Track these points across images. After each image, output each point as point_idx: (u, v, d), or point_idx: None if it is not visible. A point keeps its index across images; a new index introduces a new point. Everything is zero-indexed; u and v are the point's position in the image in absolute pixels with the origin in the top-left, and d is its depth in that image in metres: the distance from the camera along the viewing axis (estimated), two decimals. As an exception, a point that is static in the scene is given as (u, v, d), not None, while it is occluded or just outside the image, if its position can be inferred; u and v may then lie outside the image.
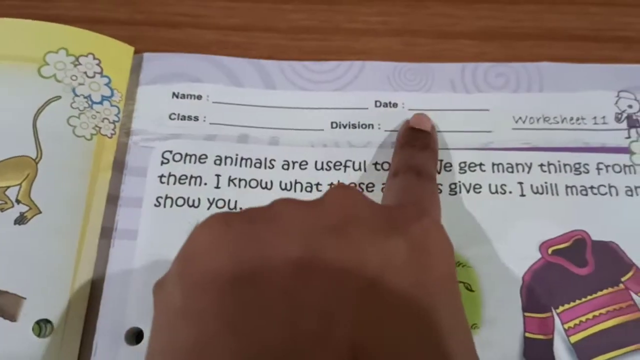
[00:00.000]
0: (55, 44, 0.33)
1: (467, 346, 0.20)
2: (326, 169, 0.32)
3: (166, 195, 0.31)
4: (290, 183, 0.31)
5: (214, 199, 0.31)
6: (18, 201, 0.29)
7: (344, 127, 0.33)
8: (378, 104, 0.33)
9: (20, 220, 0.29)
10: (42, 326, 0.27)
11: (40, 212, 0.29)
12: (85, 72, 0.33)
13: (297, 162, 0.32)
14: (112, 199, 0.31)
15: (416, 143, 0.31)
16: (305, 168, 0.32)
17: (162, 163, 0.31)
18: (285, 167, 0.32)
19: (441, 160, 0.32)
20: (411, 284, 0.19)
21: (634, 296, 0.29)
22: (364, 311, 0.18)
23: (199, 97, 0.33)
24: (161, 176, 0.31)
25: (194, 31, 0.36)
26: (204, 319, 0.18)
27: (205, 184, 0.31)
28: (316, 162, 0.32)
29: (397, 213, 0.21)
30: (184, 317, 0.18)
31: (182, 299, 0.19)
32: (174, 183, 0.31)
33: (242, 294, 0.18)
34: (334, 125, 0.33)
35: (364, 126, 0.33)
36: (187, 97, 0.33)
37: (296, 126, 0.33)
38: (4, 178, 0.30)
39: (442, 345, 0.18)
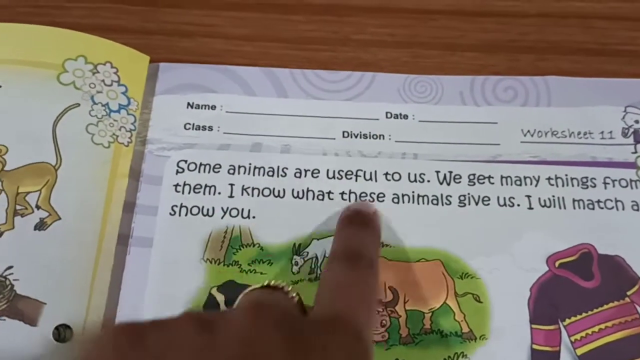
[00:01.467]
0: (74, 52, 0.33)
1: None
2: (338, 178, 0.32)
3: (181, 204, 0.31)
4: (303, 191, 0.32)
5: (227, 208, 0.31)
6: (38, 207, 0.30)
7: (356, 136, 0.33)
8: (389, 115, 0.34)
9: (40, 226, 0.30)
10: (61, 331, 0.28)
11: (59, 218, 0.30)
12: (103, 80, 0.33)
13: (309, 170, 0.32)
14: (129, 206, 0.31)
15: (355, 220, 0.29)
16: (318, 176, 0.32)
17: (177, 172, 0.32)
18: (298, 175, 0.32)
19: (450, 172, 0.33)
20: None
21: (639, 309, 0.30)
22: None
23: (213, 107, 0.34)
24: (176, 185, 0.32)
25: (205, 40, 0.37)
26: None
27: (219, 193, 0.32)
28: (328, 170, 0.32)
29: (312, 342, 0.21)
30: None
31: None
32: (189, 192, 0.32)
33: None
34: (346, 134, 0.33)
35: (375, 136, 0.33)
36: (202, 108, 0.34)
37: (308, 134, 0.33)
38: (24, 184, 0.30)
39: None
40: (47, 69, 0.33)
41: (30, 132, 0.32)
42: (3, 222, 0.30)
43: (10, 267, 0.29)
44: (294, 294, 0.24)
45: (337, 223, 0.30)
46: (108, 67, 0.34)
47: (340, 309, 0.23)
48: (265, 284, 0.24)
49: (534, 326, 0.29)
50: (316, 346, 0.20)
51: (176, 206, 0.31)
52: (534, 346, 0.29)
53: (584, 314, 0.30)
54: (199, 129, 0.33)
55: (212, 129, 0.33)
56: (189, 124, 0.33)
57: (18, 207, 0.30)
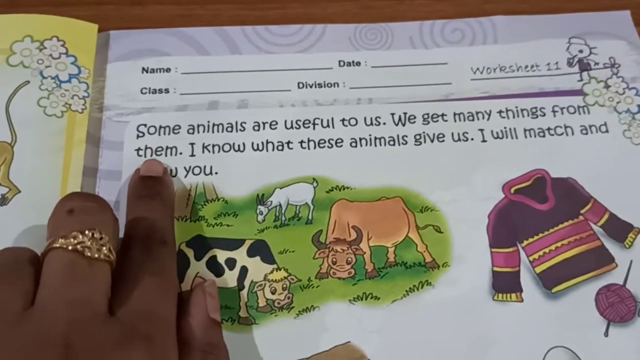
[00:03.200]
0: (20, 33, 0.34)
1: None
2: (296, 127, 0.33)
3: (144, 166, 0.32)
4: (262, 143, 0.32)
5: (190, 167, 0.32)
6: (-2, 184, 0.31)
7: (311, 86, 0.34)
8: (342, 63, 0.35)
9: (2, 201, 0.30)
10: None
11: (19, 192, 0.30)
12: (51, 55, 0.34)
13: (267, 122, 0.33)
14: (91, 172, 0.32)
15: (144, 193, 0.29)
16: (276, 128, 0.33)
17: (138, 137, 0.32)
18: (256, 128, 0.33)
19: (405, 113, 0.34)
20: None
21: (593, 226, 0.31)
22: None
23: (168, 70, 0.34)
24: (138, 149, 0.32)
25: (157, 7, 0.37)
26: None
27: (181, 153, 0.32)
28: (285, 121, 0.33)
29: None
30: None
31: None
32: (151, 154, 0.32)
33: None
34: (301, 85, 0.34)
35: (329, 85, 0.34)
36: (157, 71, 0.34)
37: (264, 88, 0.34)
38: None
39: None
40: None
41: None
42: (-34, 202, 0.30)
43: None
44: (112, 257, 0.24)
45: (127, 193, 0.29)
46: (54, 41, 0.34)
47: (140, 309, 0.23)
48: (79, 248, 0.23)
49: (493, 250, 0.31)
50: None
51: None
52: (495, 268, 0.30)
53: (540, 235, 0.31)
54: (156, 93, 0.34)
55: (168, 92, 0.34)
56: (145, 88, 0.34)
57: (-21, 187, 0.31)
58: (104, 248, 0.23)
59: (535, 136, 0.33)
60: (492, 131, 0.33)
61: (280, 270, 0.30)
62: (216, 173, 0.32)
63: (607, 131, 0.33)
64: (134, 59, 0.34)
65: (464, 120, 0.34)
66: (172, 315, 0.24)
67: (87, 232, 0.23)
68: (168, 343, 0.23)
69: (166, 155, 0.32)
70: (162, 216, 0.28)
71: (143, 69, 0.34)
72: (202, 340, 0.25)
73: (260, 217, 0.31)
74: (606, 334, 0.29)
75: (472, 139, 0.33)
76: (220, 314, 0.27)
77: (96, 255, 0.23)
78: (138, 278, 0.24)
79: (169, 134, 0.33)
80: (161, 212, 0.28)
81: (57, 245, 0.23)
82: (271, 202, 0.31)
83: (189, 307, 0.26)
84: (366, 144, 0.33)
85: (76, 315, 0.21)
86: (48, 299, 0.22)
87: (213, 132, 0.33)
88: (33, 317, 0.21)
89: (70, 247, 0.23)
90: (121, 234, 0.27)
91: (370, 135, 0.33)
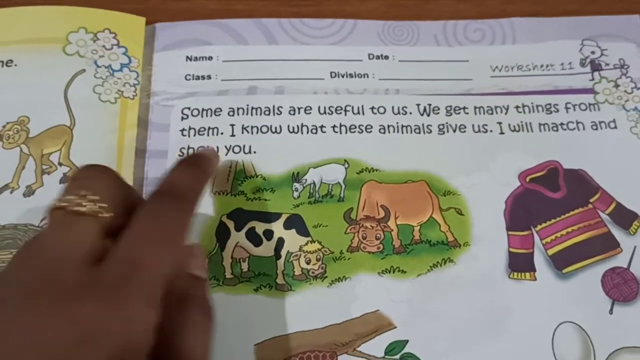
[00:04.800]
0: (75, 25, 0.37)
1: None
2: (328, 113, 0.35)
3: (188, 146, 0.34)
4: (297, 127, 0.35)
5: (230, 146, 0.34)
6: (60, 164, 0.33)
7: (342, 76, 0.37)
8: (371, 56, 0.37)
9: (64, 179, 0.33)
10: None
11: (80, 170, 0.33)
12: (104, 45, 0.36)
13: (301, 107, 0.35)
14: (140, 153, 0.34)
15: (182, 160, 0.28)
16: (310, 113, 0.35)
17: (182, 119, 0.35)
18: (292, 112, 0.35)
19: (430, 104, 0.36)
20: None
21: (601, 214, 0.34)
22: None
23: (210, 58, 0.37)
24: (182, 130, 0.35)
25: (199, 2, 0.39)
26: None
27: (222, 133, 0.35)
28: (319, 107, 0.35)
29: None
30: None
31: None
32: (194, 135, 0.35)
33: None
34: (333, 75, 0.37)
35: (359, 75, 0.37)
36: (200, 59, 0.37)
37: (299, 76, 0.36)
38: (46, 146, 0.34)
39: None
40: (53, 43, 0.36)
41: (46, 101, 0.35)
42: (34, 182, 0.33)
43: (44, 218, 0.32)
44: (105, 214, 0.23)
45: None
46: (107, 33, 0.37)
47: (136, 256, 0.22)
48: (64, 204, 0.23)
49: (510, 233, 0.33)
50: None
51: (184, 148, 0.34)
52: (511, 249, 0.33)
53: (552, 220, 0.34)
54: (199, 79, 0.36)
55: (210, 78, 0.36)
56: (189, 75, 0.36)
57: (44, 167, 0.33)
58: (91, 204, 0.23)
59: (549, 130, 0.36)
60: (509, 124, 0.36)
61: (314, 242, 0.32)
62: (255, 152, 0.34)
63: (615, 127, 0.36)
64: (179, 49, 0.37)
65: (484, 113, 0.36)
66: (163, 267, 0.23)
67: (81, 191, 0.24)
68: (146, 296, 0.22)
69: (208, 135, 0.35)
70: (191, 178, 0.27)
71: (187, 57, 0.37)
72: (182, 289, 0.25)
73: (295, 194, 0.33)
74: (611, 311, 0.32)
75: (491, 131, 0.36)
76: (205, 272, 0.27)
77: (75, 209, 0.23)
78: (135, 227, 0.23)
79: (210, 116, 0.35)
80: (192, 175, 0.27)
81: (51, 207, 0.24)
82: (306, 180, 0.34)
83: None
84: (394, 131, 0.35)
85: (47, 266, 0.22)
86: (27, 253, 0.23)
87: (252, 115, 0.35)
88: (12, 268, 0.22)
89: (56, 206, 0.23)
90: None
91: (397, 123, 0.35)
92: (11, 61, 0.35)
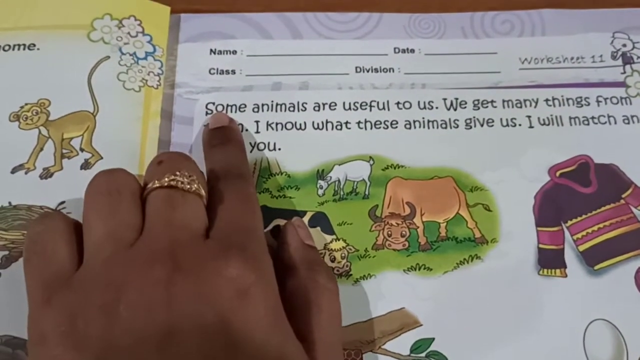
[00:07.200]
0: (100, 11, 0.36)
1: None
2: (353, 109, 0.35)
3: (212, 142, 0.34)
4: (322, 123, 0.35)
5: (255, 142, 0.34)
6: (82, 149, 0.33)
7: (367, 71, 0.36)
8: (397, 50, 0.37)
9: (85, 165, 0.33)
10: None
11: (102, 158, 0.33)
12: (129, 33, 0.36)
13: (326, 103, 0.35)
14: (164, 144, 0.34)
15: (215, 142, 0.32)
16: (335, 109, 0.35)
17: (207, 113, 0.35)
18: (317, 109, 0.35)
19: (456, 99, 0.36)
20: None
21: (634, 210, 0.33)
22: None
23: (234, 52, 0.37)
24: (206, 125, 0.35)
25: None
26: None
27: (247, 130, 0.34)
28: (344, 103, 0.35)
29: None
30: None
31: None
32: (219, 131, 0.34)
33: None
34: (358, 69, 0.36)
35: (385, 70, 0.36)
36: (224, 53, 0.37)
37: (323, 71, 0.36)
38: (67, 130, 0.34)
39: None
40: (78, 29, 0.36)
41: (69, 85, 0.35)
42: (52, 165, 0.33)
43: (62, 202, 0.32)
44: (202, 192, 0.27)
45: (202, 146, 0.33)
46: (132, 20, 0.36)
47: (229, 227, 0.26)
48: (173, 183, 0.26)
49: (539, 229, 0.32)
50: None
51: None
52: (540, 245, 0.32)
53: (583, 216, 0.33)
54: (223, 73, 0.36)
55: (234, 72, 0.36)
56: (213, 69, 0.36)
57: (64, 151, 0.33)
58: (194, 183, 0.26)
59: (580, 124, 0.35)
60: (539, 118, 0.35)
61: (339, 240, 0.32)
62: (279, 149, 0.34)
63: (648, 121, 0.35)
64: (203, 41, 0.37)
65: (512, 107, 0.36)
66: (260, 228, 0.27)
67: (177, 172, 0.26)
68: (260, 249, 0.26)
69: (232, 131, 0.34)
70: (235, 156, 0.31)
71: (211, 50, 0.37)
72: (303, 259, 0.28)
73: (320, 191, 0.33)
74: (644, 309, 0.31)
75: (519, 125, 0.35)
76: (313, 241, 0.30)
77: (188, 187, 0.26)
78: (224, 204, 0.27)
79: (235, 112, 0.35)
80: (234, 153, 0.31)
81: (155, 186, 0.26)
82: (330, 177, 0.33)
83: (284, 238, 0.29)
84: (420, 126, 0.35)
85: (177, 236, 0.24)
86: (153, 226, 0.25)
87: (276, 111, 0.35)
88: (142, 242, 0.24)
89: (165, 184, 0.26)
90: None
91: (423, 118, 0.35)
92: (34, 45, 0.35)
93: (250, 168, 0.33)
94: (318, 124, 0.35)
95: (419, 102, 0.35)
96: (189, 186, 0.26)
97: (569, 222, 0.33)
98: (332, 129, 0.35)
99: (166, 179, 0.26)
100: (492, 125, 0.35)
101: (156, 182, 0.26)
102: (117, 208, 0.25)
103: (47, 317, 0.23)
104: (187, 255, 0.24)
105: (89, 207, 0.26)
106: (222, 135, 0.32)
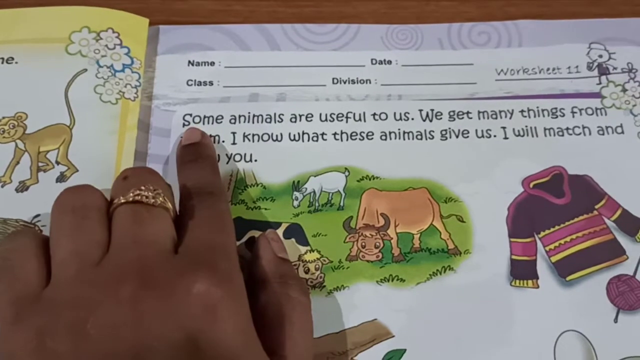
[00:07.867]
0: (78, 24, 0.37)
1: None
2: (330, 120, 0.35)
3: (188, 153, 0.34)
4: (299, 134, 0.35)
5: (231, 154, 0.34)
6: (58, 162, 0.33)
7: (344, 82, 0.37)
8: (374, 61, 0.37)
9: (61, 178, 0.33)
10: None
11: (77, 171, 0.33)
12: (107, 45, 0.36)
13: (303, 115, 0.35)
14: (141, 156, 0.34)
15: (187, 159, 0.32)
16: (311, 120, 0.35)
17: (184, 125, 0.35)
18: (293, 120, 0.35)
19: (432, 110, 0.36)
20: None
21: (607, 221, 0.33)
22: None
23: (212, 64, 0.37)
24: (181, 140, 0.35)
25: (198, 2, 0.39)
26: None
27: (223, 141, 0.35)
28: (320, 114, 0.35)
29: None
30: None
31: None
32: (195, 142, 0.35)
33: None
34: (335, 81, 0.37)
35: (362, 81, 0.37)
36: (202, 65, 0.37)
37: (301, 83, 0.36)
38: (44, 144, 0.34)
39: None
40: (56, 42, 0.36)
41: (46, 99, 0.35)
42: (28, 178, 0.33)
43: (37, 216, 0.32)
44: (169, 205, 0.27)
45: (175, 162, 0.33)
46: (110, 33, 0.37)
47: (199, 244, 0.26)
48: (138, 198, 0.26)
49: (512, 240, 0.33)
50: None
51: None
52: (513, 256, 0.32)
53: (557, 227, 0.33)
54: (201, 85, 0.36)
55: (212, 84, 0.36)
56: (191, 80, 0.36)
57: (40, 164, 0.33)
58: (159, 197, 0.26)
59: (554, 135, 0.35)
60: (514, 129, 0.36)
61: (313, 252, 0.32)
62: (255, 160, 0.34)
63: (622, 132, 0.35)
64: (181, 52, 0.37)
65: (488, 118, 0.36)
66: (231, 244, 0.27)
67: (142, 187, 0.26)
68: (230, 266, 0.26)
69: (209, 142, 0.35)
70: (207, 173, 0.31)
71: (189, 62, 0.37)
72: (276, 273, 0.28)
73: (295, 203, 0.33)
74: (615, 320, 0.31)
75: (494, 136, 0.35)
76: (287, 254, 0.30)
77: (153, 201, 0.26)
78: (194, 221, 0.27)
79: (212, 123, 0.35)
80: (205, 170, 0.31)
81: (121, 202, 0.26)
82: (306, 188, 0.34)
83: (257, 252, 0.30)
84: (395, 138, 0.35)
85: (144, 252, 0.24)
86: (119, 243, 0.25)
87: (253, 122, 0.35)
88: (108, 260, 0.24)
89: (130, 199, 0.26)
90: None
91: (399, 129, 0.35)
92: (12, 58, 0.36)
93: (225, 180, 0.33)
94: (294, 136, 0.35)
95: (395, 113, 0.36)
96: (154, 200, 0.26)
97: (542, 233, 0.33)
98: (309, 140, 0.35)
99: (131, 194, 0.26)
100: (467, 137, 0.35)
101: (121, 197, 0.26)
102: (83, 226, 0.25)
103: (16, 335, 0.23)
104: (154, 271, 0.24)
105: (55, 226, 0.26)
106: (194, 152, 0.32)
